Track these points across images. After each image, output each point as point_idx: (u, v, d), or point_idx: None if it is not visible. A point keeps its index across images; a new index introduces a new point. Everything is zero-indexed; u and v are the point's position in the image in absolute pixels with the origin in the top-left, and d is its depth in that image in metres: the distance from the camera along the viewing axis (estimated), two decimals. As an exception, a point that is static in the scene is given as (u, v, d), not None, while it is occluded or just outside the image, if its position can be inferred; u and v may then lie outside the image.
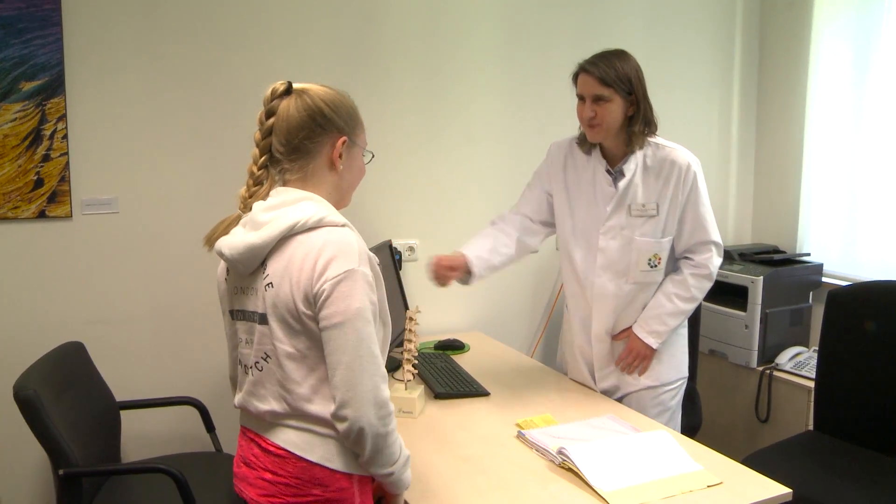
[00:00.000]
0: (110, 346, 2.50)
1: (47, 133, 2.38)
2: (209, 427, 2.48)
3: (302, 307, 1.35)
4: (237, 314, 1.48)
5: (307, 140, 1.43)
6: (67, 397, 2.07)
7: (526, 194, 2.38)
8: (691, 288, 2.17)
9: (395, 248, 2.89)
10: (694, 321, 2.91)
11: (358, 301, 1.33)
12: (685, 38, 3.39)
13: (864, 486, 2.21)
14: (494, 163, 3.07)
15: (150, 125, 2.52)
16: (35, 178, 2.38)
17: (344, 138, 1.46)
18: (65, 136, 2.40)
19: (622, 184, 2.14)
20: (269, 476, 1.42)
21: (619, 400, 2.28)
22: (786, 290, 3.14)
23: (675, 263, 2.24)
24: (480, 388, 2.32)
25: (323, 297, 1.33)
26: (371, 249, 1.44)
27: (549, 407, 2.18)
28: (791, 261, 3.27)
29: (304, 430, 1.40)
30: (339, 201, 1.51)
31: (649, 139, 2.14)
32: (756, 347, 3.09)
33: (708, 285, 2.20)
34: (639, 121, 2.08)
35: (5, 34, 2.29)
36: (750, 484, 1.71)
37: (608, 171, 2.17)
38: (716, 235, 2.18)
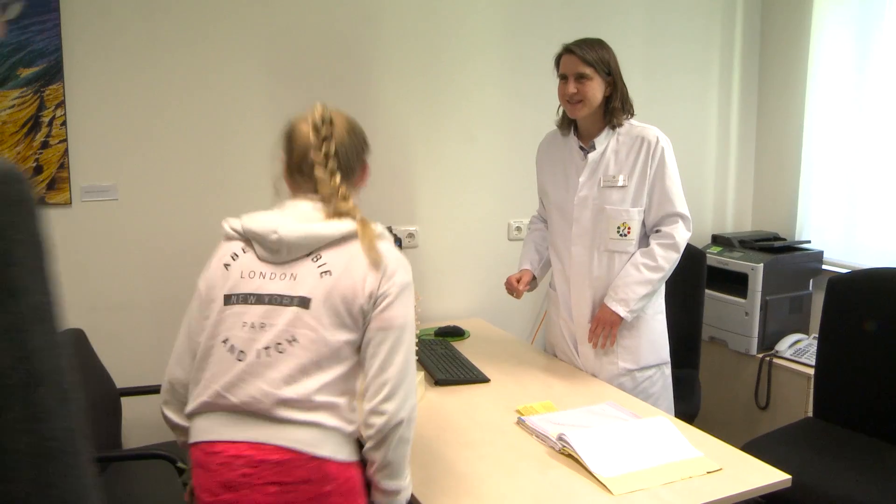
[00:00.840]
0: (111, 333, 2.49)
1: (46, 120, 2.37)
2: (210, 414, 2.47)
3: (362, 302, 1.41)
4: (241, 298, 1.43)
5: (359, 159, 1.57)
6: (68, 384, 2.07)
7: (539, 195, 2.56)
8: (657, 257, 2.22)
9: (395, 235, 2.88)
10: (695, 308, 2.91)
11: (412, 310, 1.48)
12: (686, 26, 3.37)
13: (863, 472, 2.21)
14: (493, 151, 3.07)
15: (149, 112, 2.51)
16: (34, 164, 2.37)
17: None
18: (63, 123, 2.39)
19: (593, 155, 2.28)
20: (274, 489, 1.34)
21: None
22: (786, 278, 3.14)
23: (646, 240, 2.30)
24: (480, 374, 2.32)
25: (389, 299, 1.42)
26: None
27: (548, 393, 2.18)
28: (791, 248, 3.27)
29: (312, 425, 1.37)
30: None
31: (625, 120, 2.27)
32: (756, 334, 3.09)
33: (675, 256, 2.24)
34: (616, 98, 2.23)
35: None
36: (749, 470, 1.71)
37: (581, 147, 2.31)
38: (683, 208, 2.25)
